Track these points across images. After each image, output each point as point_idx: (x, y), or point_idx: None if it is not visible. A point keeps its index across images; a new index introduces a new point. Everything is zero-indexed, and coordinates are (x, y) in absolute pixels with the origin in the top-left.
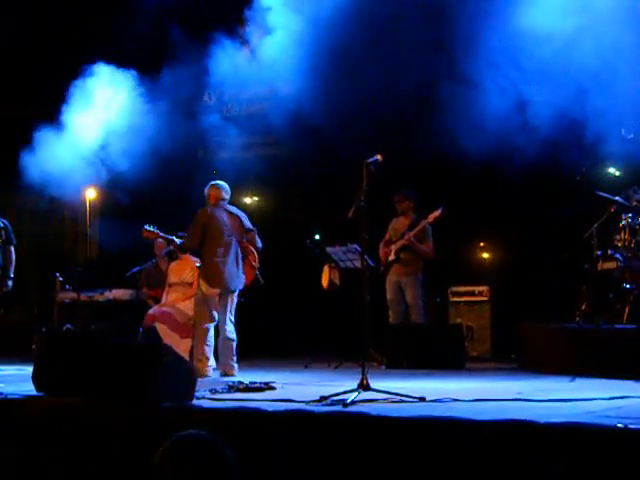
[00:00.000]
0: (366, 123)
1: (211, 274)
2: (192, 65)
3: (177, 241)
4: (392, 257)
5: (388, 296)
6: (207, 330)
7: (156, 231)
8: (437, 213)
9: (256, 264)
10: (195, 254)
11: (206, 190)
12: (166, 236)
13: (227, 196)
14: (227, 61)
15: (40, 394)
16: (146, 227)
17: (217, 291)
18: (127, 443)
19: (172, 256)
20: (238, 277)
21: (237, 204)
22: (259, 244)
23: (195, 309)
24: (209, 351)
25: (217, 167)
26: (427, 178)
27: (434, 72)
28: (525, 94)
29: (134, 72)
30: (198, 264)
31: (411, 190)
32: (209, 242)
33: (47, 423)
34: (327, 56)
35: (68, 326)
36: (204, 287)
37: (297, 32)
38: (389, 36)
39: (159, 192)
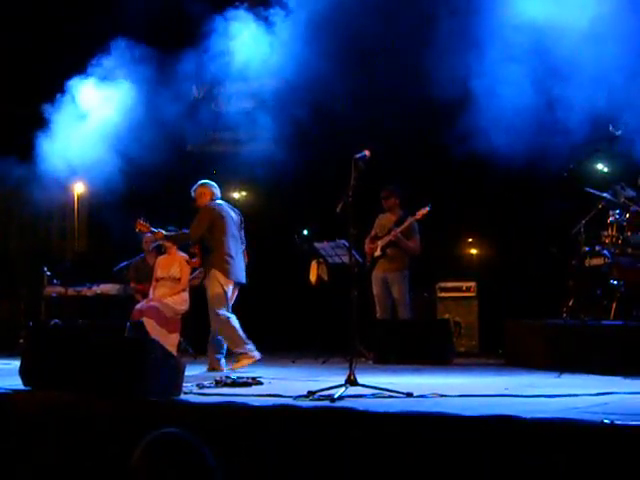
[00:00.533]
0: (355, 119)
1: (227, 266)
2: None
3: (185, 231)
4: (378, 253)
5: (375, 292)
6: (229, 320)
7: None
8: (424, 210)
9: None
10: (183, 249)
11: (197, 189)
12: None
13: (219, 193)
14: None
15: (27, 388)
16: (141, 220)
17: (232, 282)
18: (114, 438)
19: (160, 251)
20: (244, 271)
21: (226, 199)
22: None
23: (214, 302)
24: (244, 337)
25: (206, 162)
26: (415, 174)
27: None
28: (514, 91)
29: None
30: (196, 259)
31: (397, 186)
32: (220, 236)
33: (34, 418)
34: (315, 50)
35: (56, 321)
36: (222, 279)
37: (284, 28)
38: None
39: (147, 187)
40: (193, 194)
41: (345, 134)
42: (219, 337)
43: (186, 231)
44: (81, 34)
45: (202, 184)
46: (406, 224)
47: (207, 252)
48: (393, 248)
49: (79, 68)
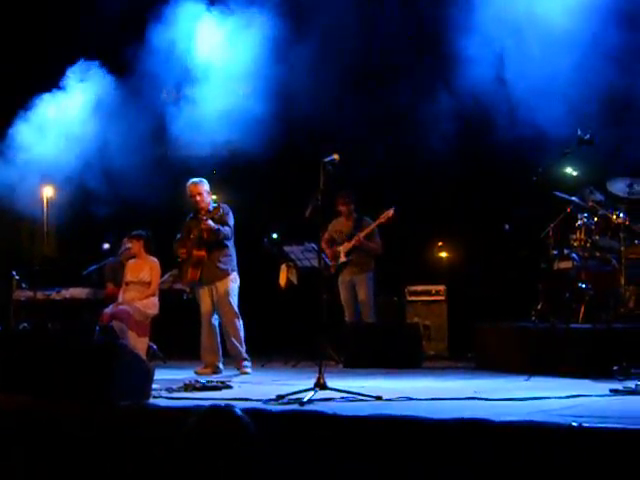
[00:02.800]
0: (323, 123)
1: (237, 269)
2: (153, 59)
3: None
4: (343, 259)
5: (342, 296)
6: (239, 326)
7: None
8: (389, 213)
9: None
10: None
11: (203, 187)
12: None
13: None
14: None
15: None
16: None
17: None
18: (83, 442)
19: (130, 255)
20: None
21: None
22: None
23: (234, 305)
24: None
25: (176, 165)
26: (383, 177)
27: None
28: (481, 94)
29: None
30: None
31: (352, 191)
32: (234, 238)
33: (2, 422)
34: (287, 56)
35: (24, 325)
36: (237, 282)
37: (260, 33)
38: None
39: (120, 190)
40: (199, 189)
41: (312, 136)
42: (234, 340)
43: (223, 229)
44: (47, 47)
45: (204, 182)
46: (370, 228)
47: (225, 254)
48: (357, 253)
49: (46, 80)
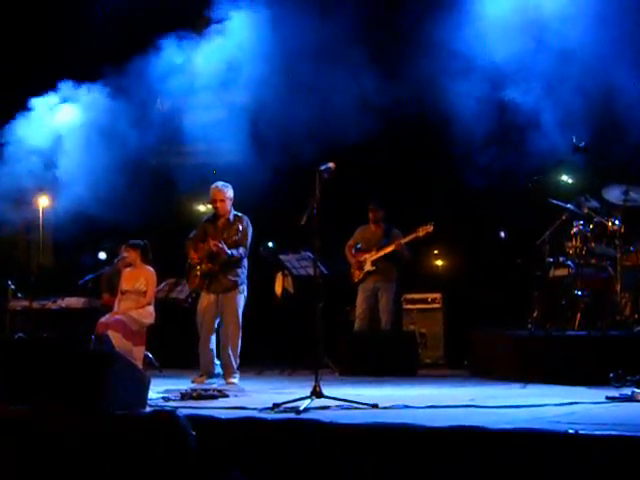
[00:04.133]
0: (318, 131)
1: (246, 282)
2: (143, 72)
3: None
4: (370, 267)
5: (360, 303)
6: (239, 340)
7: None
8: (429, 228)
9: None
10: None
11: (227, 192)
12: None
13: None
14: (178, 67)
15: None
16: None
17: None
18: (78, 452)
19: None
20: None
21: (191, 211)
22: None
23: (239, 318)
24: None
25: (171, 174)
26: (377, 185)
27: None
28: (479, 101)
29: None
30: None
31: (382, 199)
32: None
33: None
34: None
35: (20, 334)
36: (245, 293)
37: (251, 39)
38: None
39: (114, 200)
40: (222, 195)
41: (309, 145)
42: (231, 352)
43: (237, 253)
44: (44, 53)
45: (229, 187)
46: (410, 237)
47: (237, 266)
48: (383, 261)
49: (42, 86)
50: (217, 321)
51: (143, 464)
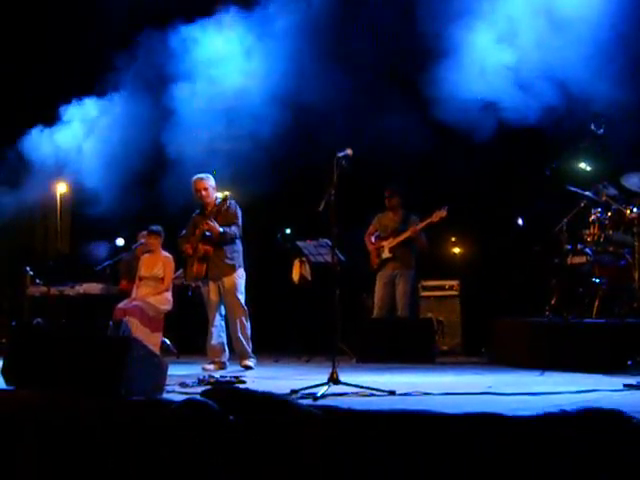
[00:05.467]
0: (337, 119)
1: (243, 265)
2: (158, 56)
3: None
4: (388, 255)
5: (378, 291)
6: (246, 322)
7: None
8: (443, 213)
9: None
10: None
11: (209, 182)
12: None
13: None
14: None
15: (10, 388)
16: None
17: None
18: (97, 437)
19: (145, 249)
20: None
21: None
22: None
23: (242, 300)
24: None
25: (186, 162)
26: (393, 173)
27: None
28: (495, 88)
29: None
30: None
31: (399, 185)
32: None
33: (17, 417)
34: (301, 49)
35: (38, 320)
36: (244, 278)
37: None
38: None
39: (129, 187)
40: (204, 184)
41: (327, 132)
42: (241, 336)
43: (229, 230)
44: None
45: (210, 177)
46: (424, 223)
47: (232, 249)
48: (401, 248)
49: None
50: (222, 307)
51: (177, 454)
